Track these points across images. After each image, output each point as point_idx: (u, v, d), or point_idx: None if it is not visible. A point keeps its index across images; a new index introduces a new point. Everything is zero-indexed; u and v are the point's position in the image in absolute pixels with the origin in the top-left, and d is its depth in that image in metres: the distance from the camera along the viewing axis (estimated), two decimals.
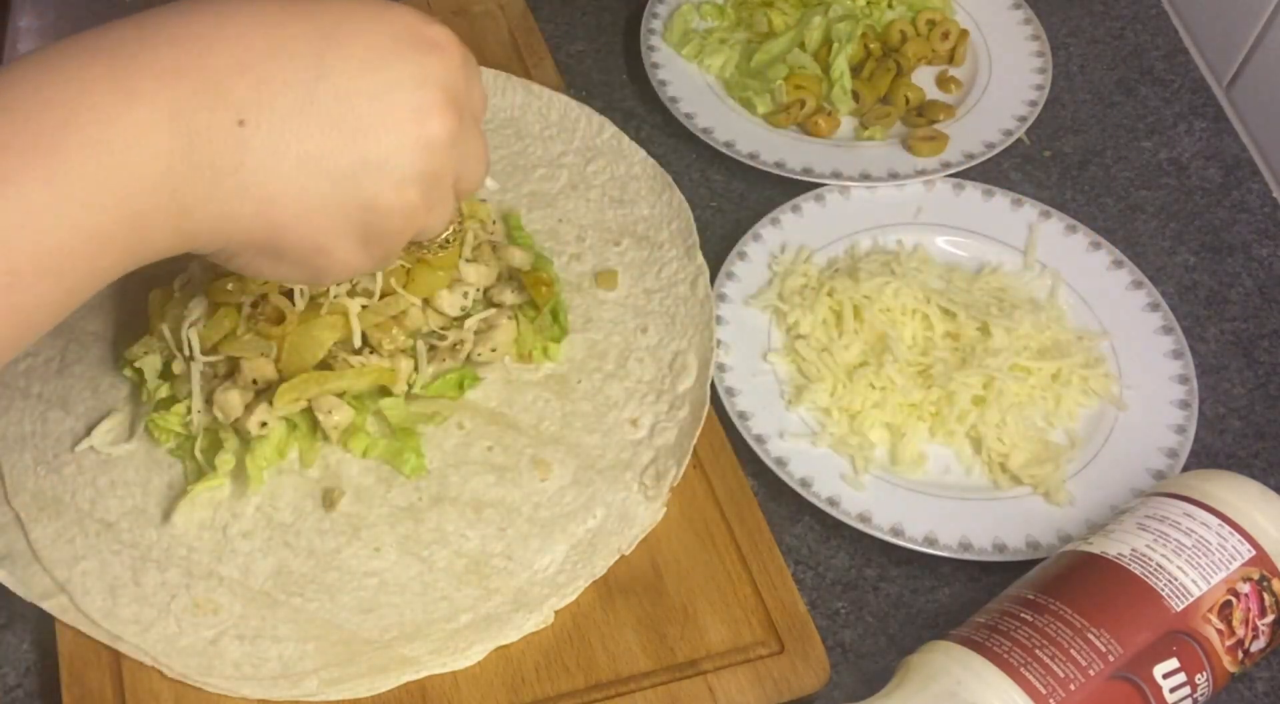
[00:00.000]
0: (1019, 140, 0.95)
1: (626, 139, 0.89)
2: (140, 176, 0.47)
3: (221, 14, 0.49)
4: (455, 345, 0.76)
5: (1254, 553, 0.65)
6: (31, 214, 0.44)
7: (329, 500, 0.73)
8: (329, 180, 0.50)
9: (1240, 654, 0.64)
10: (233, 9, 0.49)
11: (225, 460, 0.72)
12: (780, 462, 0.76)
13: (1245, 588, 0.64)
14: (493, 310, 0.77)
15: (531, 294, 0.78)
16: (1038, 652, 0.61)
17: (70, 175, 0.45)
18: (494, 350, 0.77)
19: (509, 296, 0.78)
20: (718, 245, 0.87)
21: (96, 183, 0.46)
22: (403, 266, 0.73)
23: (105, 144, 0.46)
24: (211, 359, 0.72)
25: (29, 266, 0.45)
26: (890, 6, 0.99)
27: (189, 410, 0.73)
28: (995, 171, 0.94)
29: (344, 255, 0.53)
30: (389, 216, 0.53)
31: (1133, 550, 0.65)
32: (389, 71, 0.51)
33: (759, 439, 0.77)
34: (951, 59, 0.99)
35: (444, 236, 0.61)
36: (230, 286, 0.71)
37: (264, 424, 0.72)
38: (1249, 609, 0.64)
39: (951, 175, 0.91)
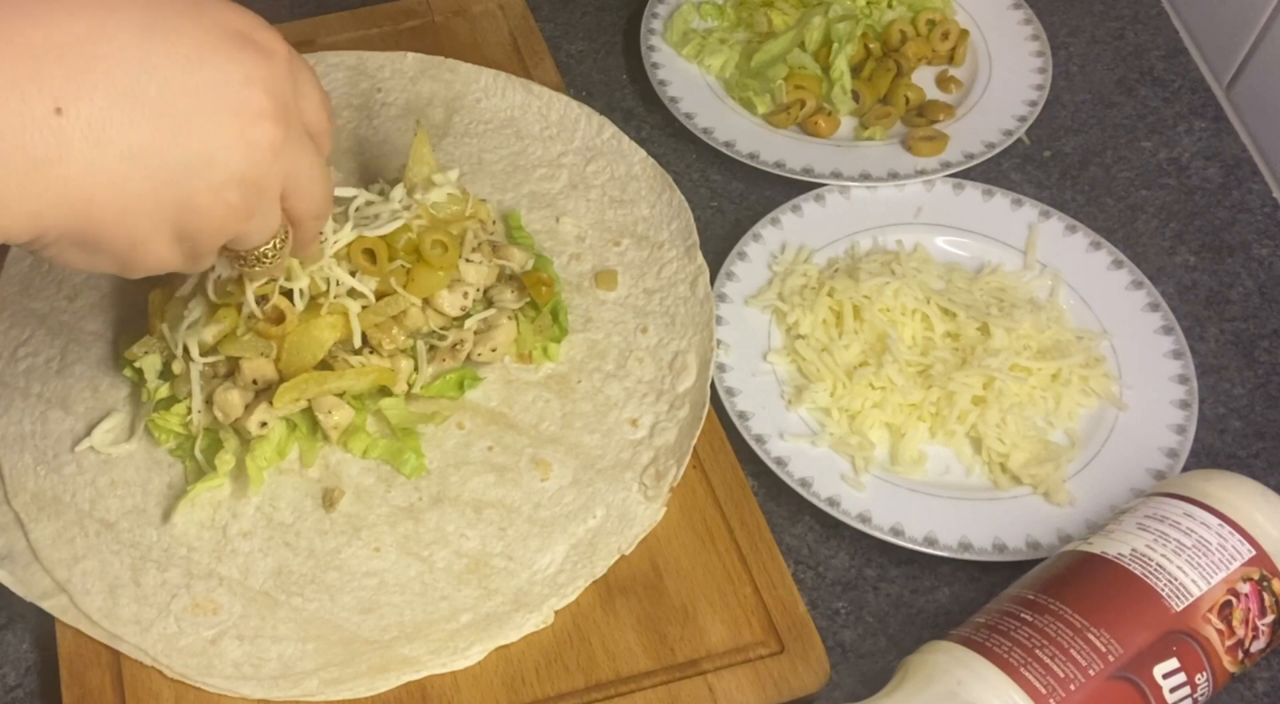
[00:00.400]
0: (1019, 140, 0.95)
1: (626, 139, 0.89)
2: None
3: None
4: (455, 345, 0.76)
5: (1254, 553, 0.65)
6: None
7: (329, 500, 0.73)
8: (150, 178, 0.49)
9: (1240, 654, 0.64)
10: None
11: (225, 460, 0.72)
12: (780, 462, 0.76)
13: (1245, 588, 0.64)
14: (493, 310, 0.77)
15: (531, 294, 0.78)
16: (1038, 652, 0.61)
17: None
18: (494, 350, 0.77)
19: (509, 297, 0.78)
20: (718, 245, 0.87)
21: None
22: (403, 267, 0.73)
23: None
24: (211, 359, 0.72)
25: None
26: (890, 6, 0.99)
27: (189, 410, 0.73)
28: (995, 171, 0.94)
29: (157, 250, 0.52)
30: (205, 217, 0.51)
31: (1133, 550, 0.65)
32: (215, 69, 0.50)
33: (759, 439, 0.77)
34: (951, 59, 0.99)
35: (263, 250, 0.58)
36: (230, 287, 0.71)
37: (264, 424, 0.72)
38: (1249, 609, 0.64)
39: (951, 175, 0.91)
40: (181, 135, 0.49)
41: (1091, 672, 0.61)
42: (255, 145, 0.51)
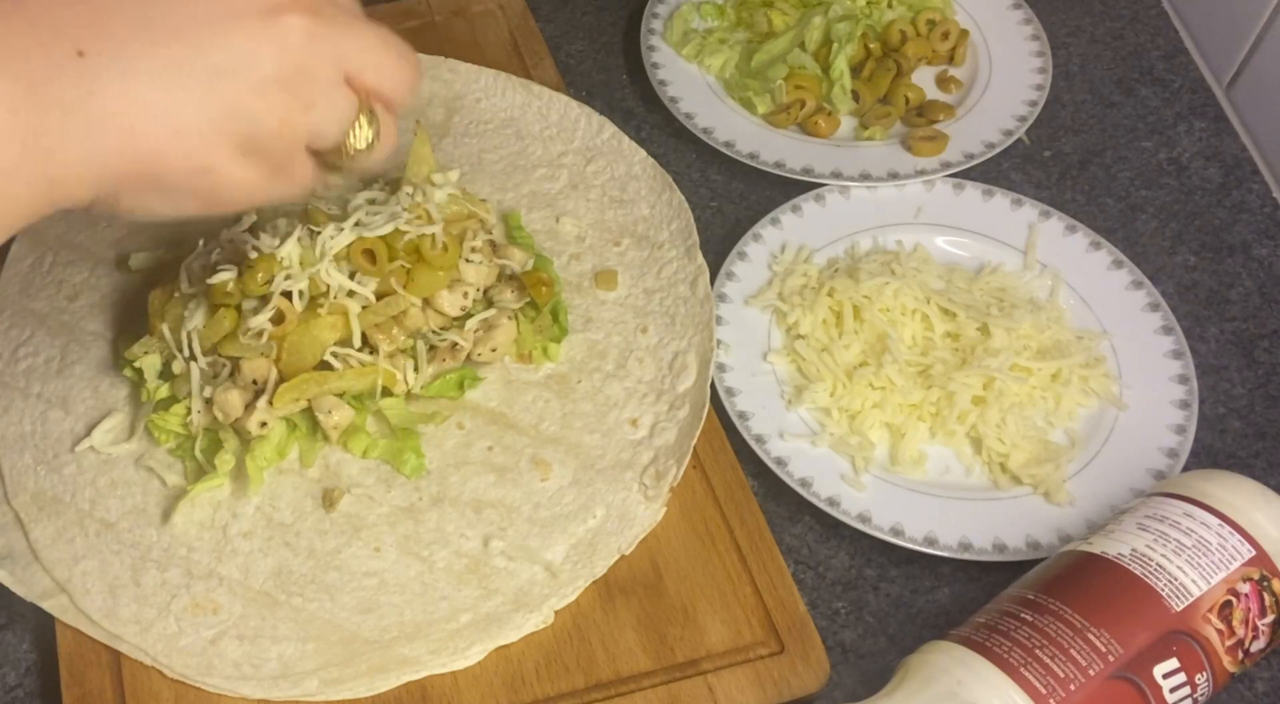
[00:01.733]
0: (1019, 140, 0.95)
1: (626, 139, 0.89)
2: None
3: None
4: (455, 345, 0.76)
5: (1254, 553, 0.65)
6: None
7: (329, 500, 0.73)
8: (186, 92, 0.48)
9: (1240, 654, 0.64)
10: None
11: (225, 460, 0.72)
12: (780, 462, 0.76)
13: (1245, 588, 0.64)
14: (493, 310, 0.77)
15: (531, 294, 0.78)
16: (1038, 652, 0.61)
17: None
18: (494, 350, 0.77)
19: (509, 297, 0.78)
20: (718, 245, 0.87)
21: None
22: (403, 267, 0.73)
23: None
24: (212, 359, 0.72)
25: None
26: (890, 6, 0.99)
27: (189, 410, 0.73)
28: (995, 171, 0.94)
29: (232, 172, 0.51)
30: (261, 120, 0.50)
31: (1133, 550, 0.65)
32: None
33: (759, 439, 0.77)
34: (951, 59, 0.99)
35: (351, 143, 0.55)
36: (230, 287, 0.71)
37: (264, 424, 0.72)
38: (1249, 609, 0.64)
39: (951, 175, 0.91)
40: (205, 45, 0.48)
41: (1091, 672, 0.61)
42: (283, 37, 0.50)
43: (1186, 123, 0.97)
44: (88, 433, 0.75)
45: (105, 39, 0.47)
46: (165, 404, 0.74)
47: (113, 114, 0.48)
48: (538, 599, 0.70)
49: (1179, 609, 0.63)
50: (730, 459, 0.76)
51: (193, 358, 0.72)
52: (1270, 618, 0.65)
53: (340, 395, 0.73)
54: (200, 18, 0.49)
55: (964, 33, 0.99)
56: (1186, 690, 0.62)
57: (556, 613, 0.70)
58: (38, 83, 0.46)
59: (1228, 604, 0.63)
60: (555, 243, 0.84)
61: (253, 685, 0.67)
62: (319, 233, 0.72)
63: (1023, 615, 0.63)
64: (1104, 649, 0.61)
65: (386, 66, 0.55)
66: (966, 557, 0.73)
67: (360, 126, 0.55)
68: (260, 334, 0.71)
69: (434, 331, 0.75)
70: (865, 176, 0.90)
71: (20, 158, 0.46)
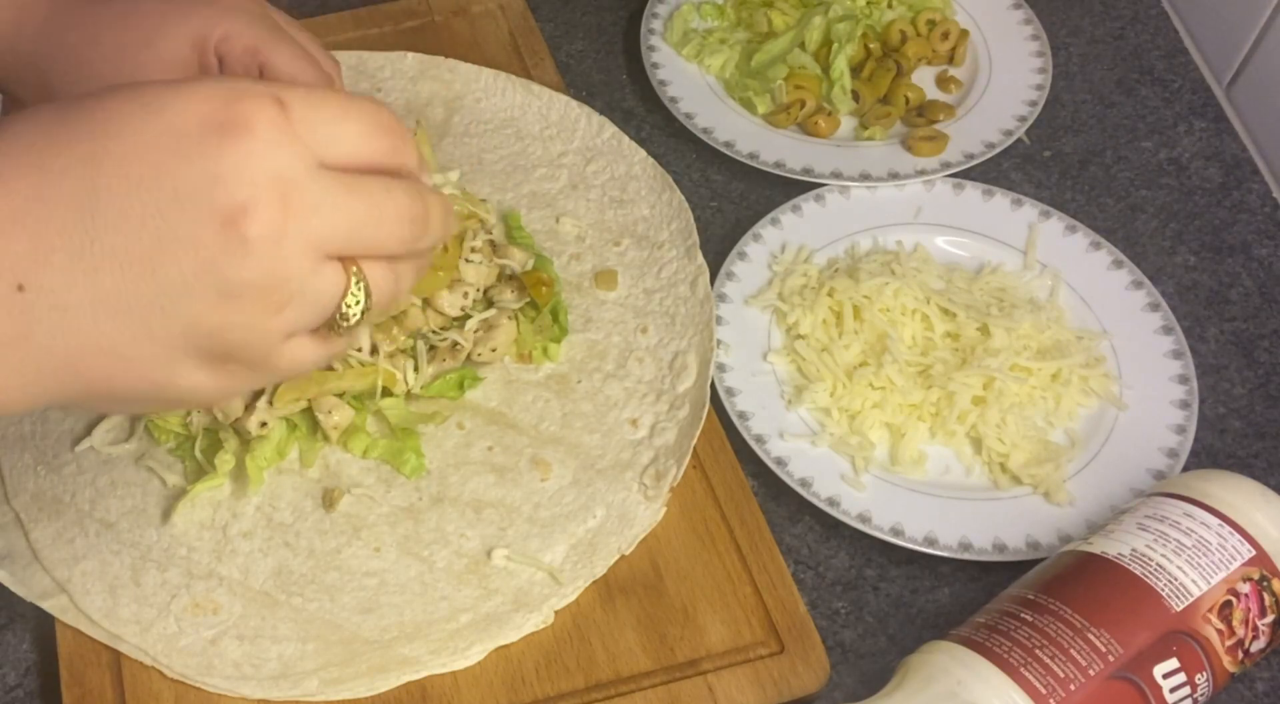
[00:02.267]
0: (1019, 140, 0.95)
1: (626, 139, 0.89)
2: None
3: None
4: (455, 345, 0.76)
5: (1254, 553, 0.65)
6: None
7: (329, 500, 0.73)
8: (132, 320, 0.44)
9: (1240, 654, 0.64)
10: None
11: (225, 460, 0.72)
12: (780, 462, 0.76)
13: (1245, 588, 0.64)
14: (493, 311, 0.77)
15: (531, 294, 0.78)
16: (1038, 652, 0.61)
17: None
18: (494, 350, 0.77)
19: (509, 297, 0.78)
20: (718, 245, 0.87)
21: None
22: None
23: None
24: None
25: None
26: (890, 6, 0.99)
27: (189, 410, 0.73)
28: (995, 171, 0.94)
29: (197, 382, 0.47)
30: (223, 336, 0.45)
31: (1133, 550, 0.65)
32: (173, 179, 0.43)
33: (759, 439, 0.77)
34: (951, 59, 0.99)
35: (350, 313, 0.48)
36: None
37: (264, 424, 0.72)
38: (1249, 609, 0.64)
39: (951, 175, 0.91)
40: (153, 267, 0.44)
41: (1091, 672, 0.61)
42: (243, 248, 0.43)
43: (1186, 123, 0.97)
44: (87, 432, 0.75)
45: (45, 270, 0.43)
46: None
47: (56, 350, 0.44)
48: (538, 599, 0.70)
49: (1179, 609, 0.63)
50: (730, 459, 0.76)
51: None
52: (1270, 618, 0.65)
53: (340, 395, 0.73)
54: (148, 238, 0.43)
55: (964, 33, 0.99)
56: (1186, 690, 0.62)
57: (556, 613, 0.70)
58: None
59: (1228, 604, 0.63)
60: (555, 243, 0.84)
61: (253, 685, 0.67)
62: None
63: (1023, 615, 0.63)
64: (1104, 649, 0.61)
65: (387, 232, 0.47)
66: (966, 557, 0.73)
67: (353, 295, 0.48)
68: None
69: (434, 332, 0.75)
70: (865, 176, 0.90)
71: None
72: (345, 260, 0.47)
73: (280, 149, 0.44)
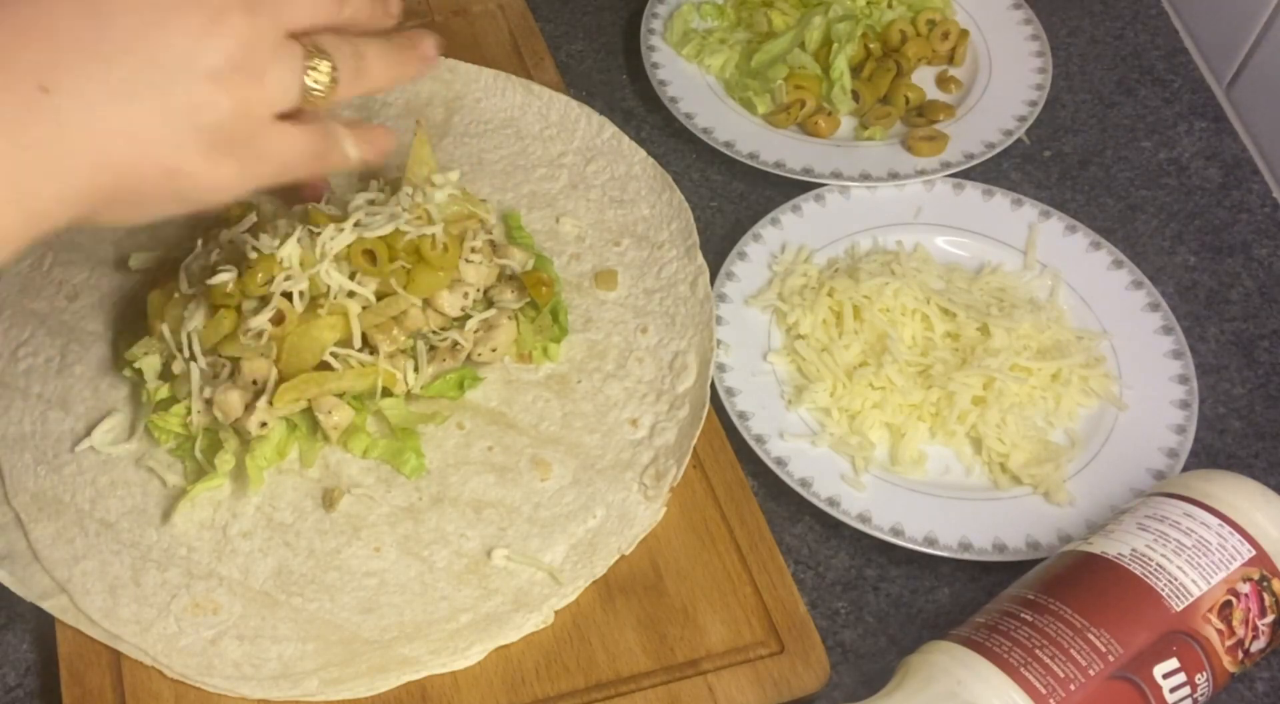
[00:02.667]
0: (1019, 140, 0.95)
1: (626, 139, 0.89)
2: None
3: None
4: (455, 345, 0.76)
5: (1254, 553, 0.65)
6: None
7: (329, 500, 0.73)
8: (145, 104, 0.50)
9: (1240, 654, 0.64)
10: None
11: (225, 460, 0.72)
12: (780, 462, 0.76)
13: (1245, 588, 0.64)
14: (493, 311, 0.77)
15: (531, 294, 0.78)
16: (1038, 652, 0.61)
17: None
18: (494, 350, 0.77)
19: (509, 297, 0.78)
20: (718, 245, 0.87)
21: None
22: (403, 267, 0.73)
23: None
24: (212, 359, 0.72)
25: None
26: (890, 6, 0.99)
27: (189, 410, 0.73)
28: (995, 171, 0.94)
29: (203, 169, 0.52)
30: (218, 108, 0.51)
31: (1133, 550, 0.65)
32: None
33: (759, 439, 0.77)
34: (951, 59, 0.99)
35: (315, 86, 0.55)
36: (230, 288, 0.71)
37: (264, 424, 0.72)
38: (1249, 609, 0.64)
39: (951, 175, 0.91)
40: (153, 51, 0.50)
41: (1091, 672, 0.61)
42: (222, 22, 0.51)
43: (1186, 123, 0.97)
44: (88, 433, 0.75)
45: (64, 71, 0.48)
46: (165, 404, 0.74)
47: (84, 144, 0.49)
48: (538, 599, 0.70)
49: (1179, 609, 0.63)
50: (730, 459, 0.76)
51: (192, 358, 0.72)
52: (1270, 618, 0.65)
53: (340, 395, 0.73)
54: (146, 24, 0.50)
55: (964, 33, 0.99)
56: (1186, 690, 0.62)
57: (556, 613, 0.70)
58: (9, 125, 0.47)
59: (1228, 604, 0.63)
60: (555, 243, 0.84)
61: (253, 685, 0.67)
62: (319, 233, 0.72)
63: (1023, 615, 0.63)
64: (1104, 649, 0.61)
65: (323, 5, 0.55)
66: (966, 557, 0.73)
67: (315, 68, 0.54)
68: (260, 334, 0.71)
69: (434, 332, 0.75)
70: (865, 176, 0.90)
71: (4, 202, 0.48)
72: (302, 39, 0.54)
73: None
